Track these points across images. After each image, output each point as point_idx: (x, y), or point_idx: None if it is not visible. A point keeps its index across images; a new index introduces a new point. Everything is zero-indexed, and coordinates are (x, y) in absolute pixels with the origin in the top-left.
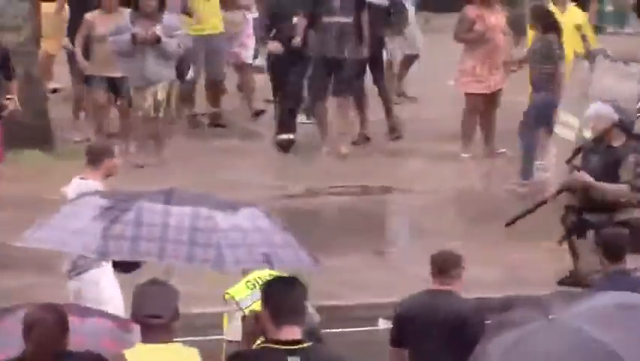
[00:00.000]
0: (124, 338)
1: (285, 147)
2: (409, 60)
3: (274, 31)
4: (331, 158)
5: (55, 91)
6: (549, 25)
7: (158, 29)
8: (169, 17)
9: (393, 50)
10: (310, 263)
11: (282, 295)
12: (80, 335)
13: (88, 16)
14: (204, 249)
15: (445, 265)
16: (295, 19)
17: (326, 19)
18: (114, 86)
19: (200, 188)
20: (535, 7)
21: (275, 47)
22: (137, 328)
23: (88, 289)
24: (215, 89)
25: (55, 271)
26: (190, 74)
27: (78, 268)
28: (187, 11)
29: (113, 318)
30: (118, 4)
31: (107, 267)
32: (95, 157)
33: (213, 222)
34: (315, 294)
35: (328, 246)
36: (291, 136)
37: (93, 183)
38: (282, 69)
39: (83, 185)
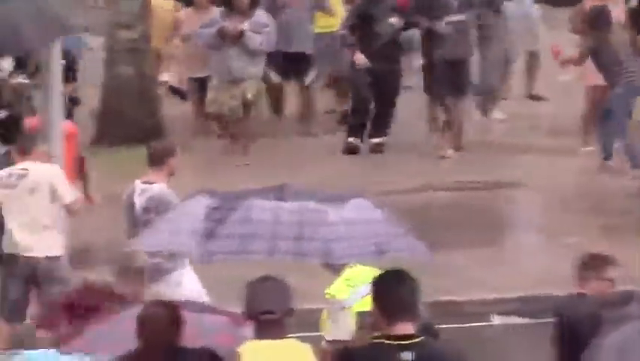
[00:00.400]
0: (238, 333)
1: (350, 150)
2: (533, 58)
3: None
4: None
5: (166, 84)
6: (601, 23)
7: (245, 25)
8: (259, 14)
9: (512, 47)
10: (423, 252)
11: (393, 291)
12: (195, 329)
13: (179, 14)
14: (313, 244)
15: (582, 268)
16: (393, 20)
17: (446, 19)
18: (202, 86)
19: (310, 184)
20: (592, 7)
21: (362, 60)
22: (249, 323)
23: (172, 291)
24: (340, 85)
25: None
26: (312, 74)
27: (162, 271)
28: (323, 7)
29: (227, 313)
30: (209, 3)
31: (188, 267)
32: (158, 158)
33: (322, 216)
34: (427, 289)
35: (441, 241)
36: (358, 141)
37: (159, 186)
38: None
39: (149, 190)
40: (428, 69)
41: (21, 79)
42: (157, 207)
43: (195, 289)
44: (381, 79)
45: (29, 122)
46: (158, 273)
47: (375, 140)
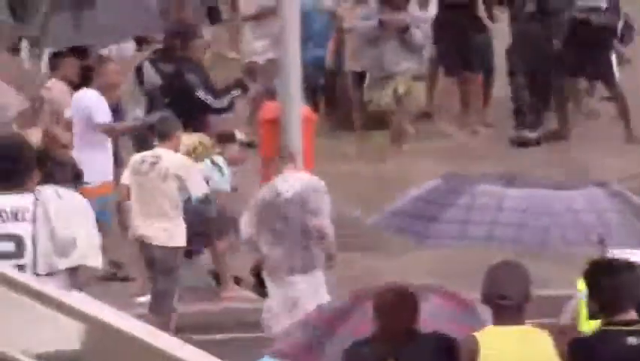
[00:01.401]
0: (467, 321)
1: (520, 144)
2: None
3: None
4: None
5: None
6: None
7: (404, 18)
8: (414, 7)
9: None
10: None
11: (606, 281)
12: (424, 316)
13: (339, 8)
14: (533, 231)
15: None
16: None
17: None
18: (361, 80)
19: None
20: None
21: None
22: (482, 308)
23: (307, 289)
24: None
25: (400, 252)
26: None
27: (304, 267)
28: None
29: (456, 299)
30: None
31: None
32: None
33: (547, 204)
34: None
35: None
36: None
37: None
38: None
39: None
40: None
41: (270, 56)
42: (304, 200)
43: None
44: (534, 67)
45: (269, 105)
46: (299, 267)
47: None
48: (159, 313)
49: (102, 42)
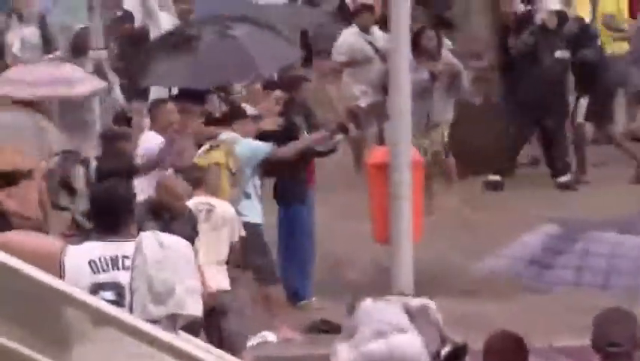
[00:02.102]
0: None
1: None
2: None
3: None
4: None
5: None
6: None
7: (440, 67)
8: (447, 55)
9: None
10: None
11: None
12: None
13: None
14: None
15: None
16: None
17: None
18: None
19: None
20: None
21: None
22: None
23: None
24: None
25: (510, 298)
26: None
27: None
28: None
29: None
30: None
31: None
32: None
33: None
34: None
35: None
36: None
37: None
38: None
39: None
40: None
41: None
42: None
43: None
44: (547, 116)
45: (376, 149)
46: None
47: (562, 178)
48: (236, 353)
49: (195, 86)
